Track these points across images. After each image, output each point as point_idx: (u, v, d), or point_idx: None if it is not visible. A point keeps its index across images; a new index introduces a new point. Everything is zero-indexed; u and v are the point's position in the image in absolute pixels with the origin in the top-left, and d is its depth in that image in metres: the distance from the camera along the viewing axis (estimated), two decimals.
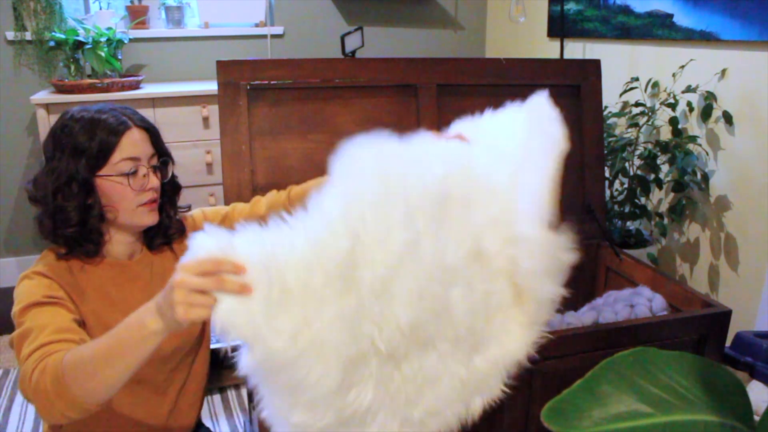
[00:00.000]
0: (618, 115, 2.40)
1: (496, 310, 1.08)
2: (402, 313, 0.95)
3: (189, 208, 1.40)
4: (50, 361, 0.97)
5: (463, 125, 1.26)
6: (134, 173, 1.19)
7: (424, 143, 1.08)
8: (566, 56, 2.76)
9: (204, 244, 0.86)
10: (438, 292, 0.98)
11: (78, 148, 1.16)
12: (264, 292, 0.86)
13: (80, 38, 2.74)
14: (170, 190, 1.31)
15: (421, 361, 1.01)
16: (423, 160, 1.01)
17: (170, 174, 1.29)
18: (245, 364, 0.90)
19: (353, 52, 2.36)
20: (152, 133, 1.25)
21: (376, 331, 0.94)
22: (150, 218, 1.24)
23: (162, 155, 1.27)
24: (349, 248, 0.90)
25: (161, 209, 1.29)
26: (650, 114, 2.26)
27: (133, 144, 1.19)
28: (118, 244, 1.25)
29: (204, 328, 1.38)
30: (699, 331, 1.51)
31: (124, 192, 1.19)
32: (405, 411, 1.03)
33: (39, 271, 1.16)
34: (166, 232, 1.32)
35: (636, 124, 2.27)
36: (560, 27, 2.70)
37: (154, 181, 1.22)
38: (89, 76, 2.81)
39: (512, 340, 1.10)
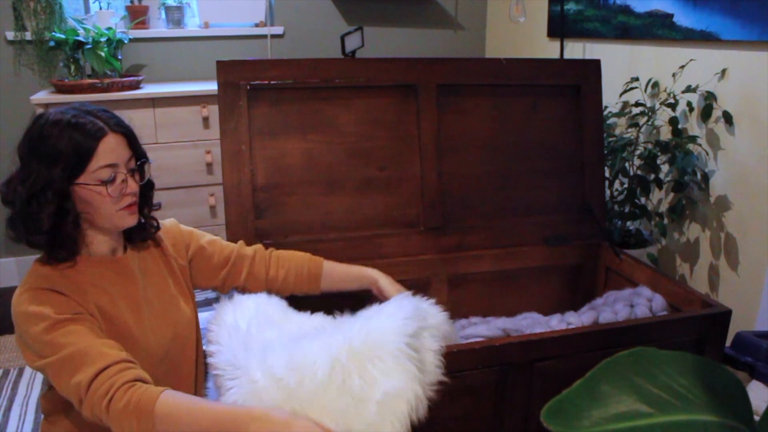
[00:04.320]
0: (618, 115, 2.41)
1: None
2: None
3: (159, 206, 1.41)
4: (135, 396, 1.05)
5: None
6: (112, 180, 1.19)
7: None
8: (566, 56, 2.76)
9: None
10: None
11: (54, 156, 1.15)
12: None
13: (80, 38, 2.74)
14: (147, 189, 1.33)
15: None
16: None
17: (147, 175, 1.30)
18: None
19: (353, 52, 2.36)
20: (129, 136, 1.24)
21: None
22: (131, 220, 1.25)
23: (139, 157, 1.27)
24: None
25: (139, 208, 1.30)
26: (650, 114, 2.26)
27: (110, 150, 1.19)
28: (99, 244, 1.26)
29: (197, 334, 1.40)
30: (699, 331, 1.51)
31: (103, 199, 1.19)
32: None
33: (38, 285, 1.16)
34: (143, 229, 1.35)
35: (636, 124, 2.27)
36: (560, 27, 2.70)
37: (133, 186, 1.23)
38: (89, 76, 2.82)
39: None
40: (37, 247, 1.19)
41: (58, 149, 1.15)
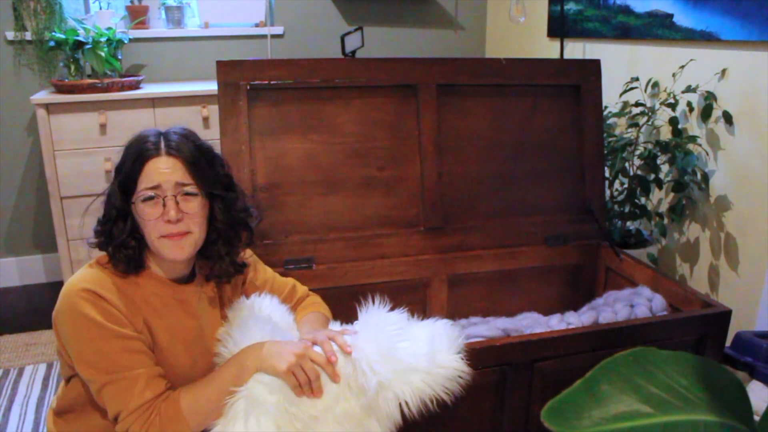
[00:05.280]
0: (618, 115, 2.40)
1: None
2: None
3: (251, 242, 1.37)
4: (163, 413, 1.13)
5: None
6: (150, 200, 1.16)
7: None
8: (566, 56, 2.76)
9: None
10: None
11: (118, 169, 1.20)
12: None
13: (80, 38, 2.74)
14: (224, 227, 1.26)
15: None
16: None
17: (200, 207, 1.21)
18: None
19: (353, 52, 2.36)
20: (189, 162, 1.19)
21: None
22: (173, 252, 1.18)
23: (209, 188, 1.21)
24: None
25: (211, 245, 1.26)
26: (650, 114, 2.26)
27: (155, 172, 1.16)
28: (158, 266, 1.24)
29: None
30: (699, 331, 1.51)
31: (144, 222, 1.17)
32: None
33: (97, 290, 1.14)
34: (215, 271, 1.30)
35: (636, 124, 2.27)
36: (560, 27, 2.70)
37: (171, 212, 1.16)
38: (89, 76, 2.81)
39: None
40: (108, 253, 1.20)
41: (121, 163, 1.20)
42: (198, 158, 1.21)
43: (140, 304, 1.19)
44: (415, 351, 1.26)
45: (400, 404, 1.22)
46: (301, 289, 1.51)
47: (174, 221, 1.16)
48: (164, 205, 1.16)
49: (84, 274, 1.18)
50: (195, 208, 1.19)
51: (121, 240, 1.18)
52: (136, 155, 1.17)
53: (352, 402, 1.19)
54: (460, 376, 1.28)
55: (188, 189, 1.18)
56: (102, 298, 1.14)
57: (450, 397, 1.26)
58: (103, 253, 1.21)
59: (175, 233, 1.17)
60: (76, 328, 1.13)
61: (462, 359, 1.29)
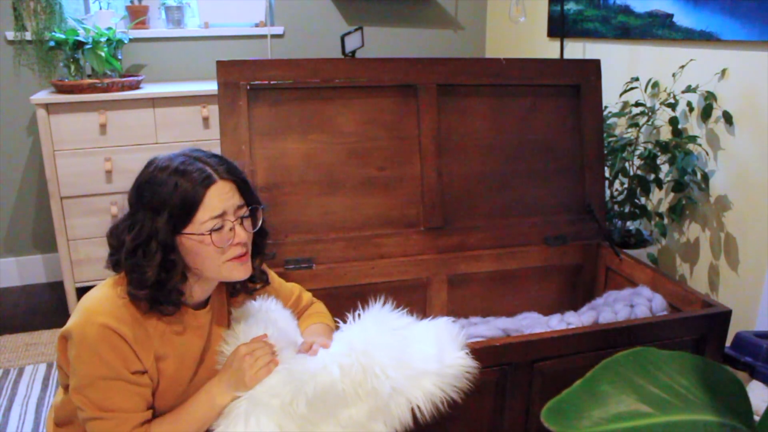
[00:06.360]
0: (618, 115, 2.41)
1: None
2: None
3: (274, 256, 1.38)
4: None
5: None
6: (219, 229, 1.13)
7: None
8: (566, 56, 2.76)
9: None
10: None
11: (160, 205, 1.10)
12: None
13: (80, 38, 2.74)
14: (259, 238, 1.26)
15: None
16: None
17: (260, 222, 1.23)
18: None
19: (353, 52, 2.36)
20: (239, 183, 1.18)
21: None
22: (241, 272, 1.19)
23: (251, 203, 1.21)
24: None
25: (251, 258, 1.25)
26: (650, 114, 2.26)
27: (218, 199, 1.13)
28: (197, 294, 1.22)
29: None
30: (699, 331, 1.51)
31: (209, 250, 1.13)
32: None
33: (115, 325, 1.10)
34: (250, 281, 1.30)
35: (636, 124, 2.27)
36: (560, 27, 2.70)
37: (242, 235, 1.16)
38: (89, 76, 2.81)
39: None
40: (140, 300, 1.13)
41: (164, 198, 1.10)
42: (243, 178, 1.20)
43: (154, 338, 1.16)
44: (424, 354, 1.27)
45: (412, 408, 1.22)
46: (306, 296, 1.51)
47: (244, 243, 1.17)
48: (231, 230, 1.15)
49: (106, 302, 1.13)
50: (252, 226, 1.21)
51: (174, 284, 1.13)
52: (191, 184, 1.11)
53: (360, 406, 1.19)
54: (468, 372, 1.29)
55: (245, 212, 1.19)
56: (118, 335, 1.10)
57: (460, 395, 1.27)
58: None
59: (244, 254, 1.18)
60: (82, 359, 1.10)
61: (467, 354, 1.31)
